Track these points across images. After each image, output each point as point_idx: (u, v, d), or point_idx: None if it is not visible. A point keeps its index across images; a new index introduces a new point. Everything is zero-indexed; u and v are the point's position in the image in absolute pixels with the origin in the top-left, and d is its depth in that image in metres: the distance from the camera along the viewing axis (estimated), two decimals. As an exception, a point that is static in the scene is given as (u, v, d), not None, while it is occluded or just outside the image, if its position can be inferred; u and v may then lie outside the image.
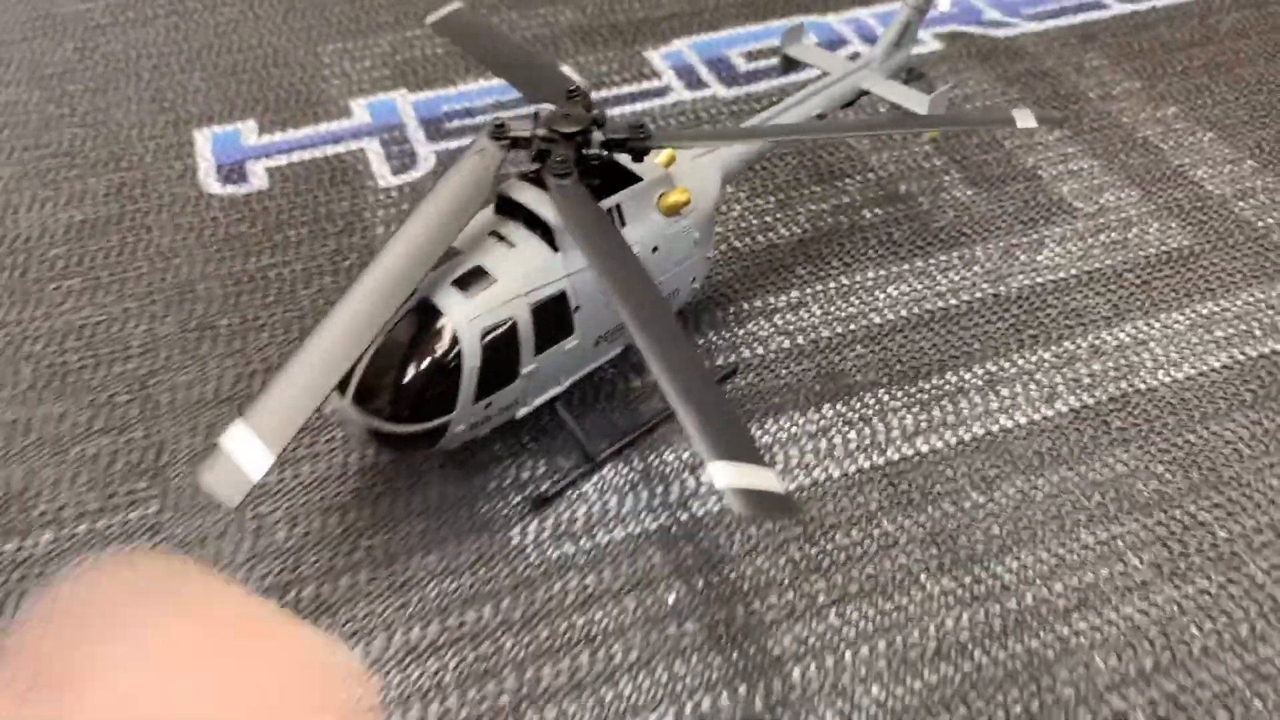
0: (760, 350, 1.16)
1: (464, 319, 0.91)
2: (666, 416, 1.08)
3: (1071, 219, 1.33)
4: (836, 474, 1.04)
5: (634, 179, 1.01)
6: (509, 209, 0.99)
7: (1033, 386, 1.12)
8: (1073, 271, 1.26)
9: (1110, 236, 1.31)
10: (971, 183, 1.39)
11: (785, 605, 0.92)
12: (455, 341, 0.91)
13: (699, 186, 1.05)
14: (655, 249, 1.02)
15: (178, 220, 1.33)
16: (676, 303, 1.08)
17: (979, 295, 1.22)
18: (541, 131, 0.95)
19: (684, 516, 0.99)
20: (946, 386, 1.12)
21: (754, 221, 1.33)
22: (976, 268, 1.26)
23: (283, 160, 1.44)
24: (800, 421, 1.08)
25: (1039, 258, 1.27)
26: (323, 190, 1.38)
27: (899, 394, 1.11)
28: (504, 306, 0.93)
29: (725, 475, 0.73)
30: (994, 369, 1.14)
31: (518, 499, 1.01)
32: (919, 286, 1.24)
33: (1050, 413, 1.09)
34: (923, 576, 0.94)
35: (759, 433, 1.07)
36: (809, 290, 1.23)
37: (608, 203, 0.99)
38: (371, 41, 1.69)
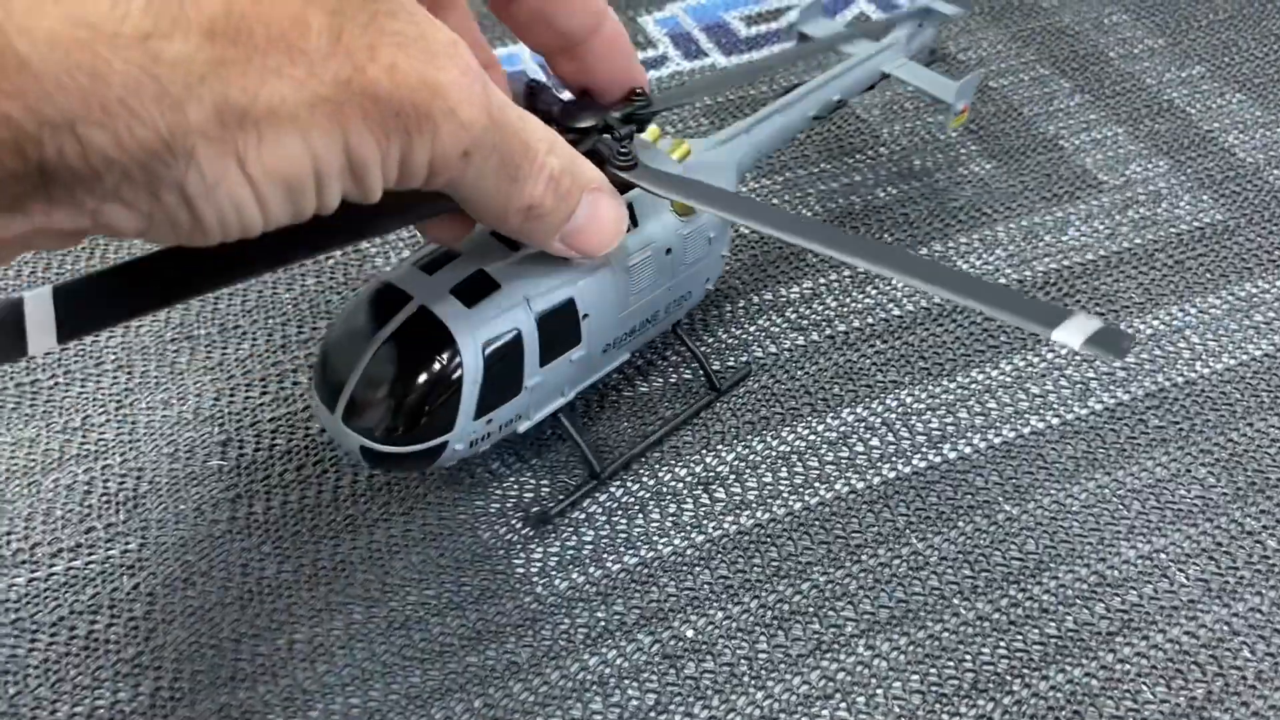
0: (773, 348, 1.09)
1: (465, 331, 0.84)
2: (677, 425, 1.02)
3: (1097, 193, 1.26)
4: (860, 486, 0.97)
5: (643, 178, 0.94)
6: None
7: (1064, 383, 1.06)
8: (1101, 253, 1.19)
9: (1139, 212, 1.23)
10: (990, 155, 1.31)
11: (811, 637, 0.86)
12: (456, 355, 0.84)
13: (714, 182, 0.98)
14: (669, 251, 0.94)
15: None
16: (687, 305, 1.01)
17: (1003, 281, 1.15)
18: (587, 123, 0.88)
19: (699, 538, 0.93)
20: (973, 385, 1.05)
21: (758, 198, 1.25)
22: (999, 251, 1.19)
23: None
24: (819, 428, 1.02)
25: (1064, 238, 1.20)
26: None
27: (922, 395, 1.05)
28: (508, 316, 0.86)
29: (1071, 335, 0.65)
30: (1022, 364, 1.07)
31: (520, 522, 0.95)
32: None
33: (1083, 411, 1.03)
34: (956, 600, 0.89)
35: (775, 442, 1.01)
36: (822, 280, 1.16)
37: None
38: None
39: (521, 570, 0.91)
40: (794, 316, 1.12)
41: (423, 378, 0.83)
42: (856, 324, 1.12)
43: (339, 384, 0.84)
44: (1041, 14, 1.55)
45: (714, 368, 1.06)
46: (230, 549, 0.94)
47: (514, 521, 0.95)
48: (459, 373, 0.84)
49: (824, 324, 1.11)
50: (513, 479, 0.99)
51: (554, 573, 0.91)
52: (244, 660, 0.87)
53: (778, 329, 1.11)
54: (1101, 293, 1.14)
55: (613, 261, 0.91)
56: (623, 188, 0.92)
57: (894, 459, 0.99)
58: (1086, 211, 1.23)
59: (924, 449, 1.00)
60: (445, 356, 0.83)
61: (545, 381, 0.90)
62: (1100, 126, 1.35)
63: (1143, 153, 1.31)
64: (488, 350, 0.84)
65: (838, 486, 0.97)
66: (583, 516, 0.96)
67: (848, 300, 1.14)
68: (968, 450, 1.00)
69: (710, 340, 1.10)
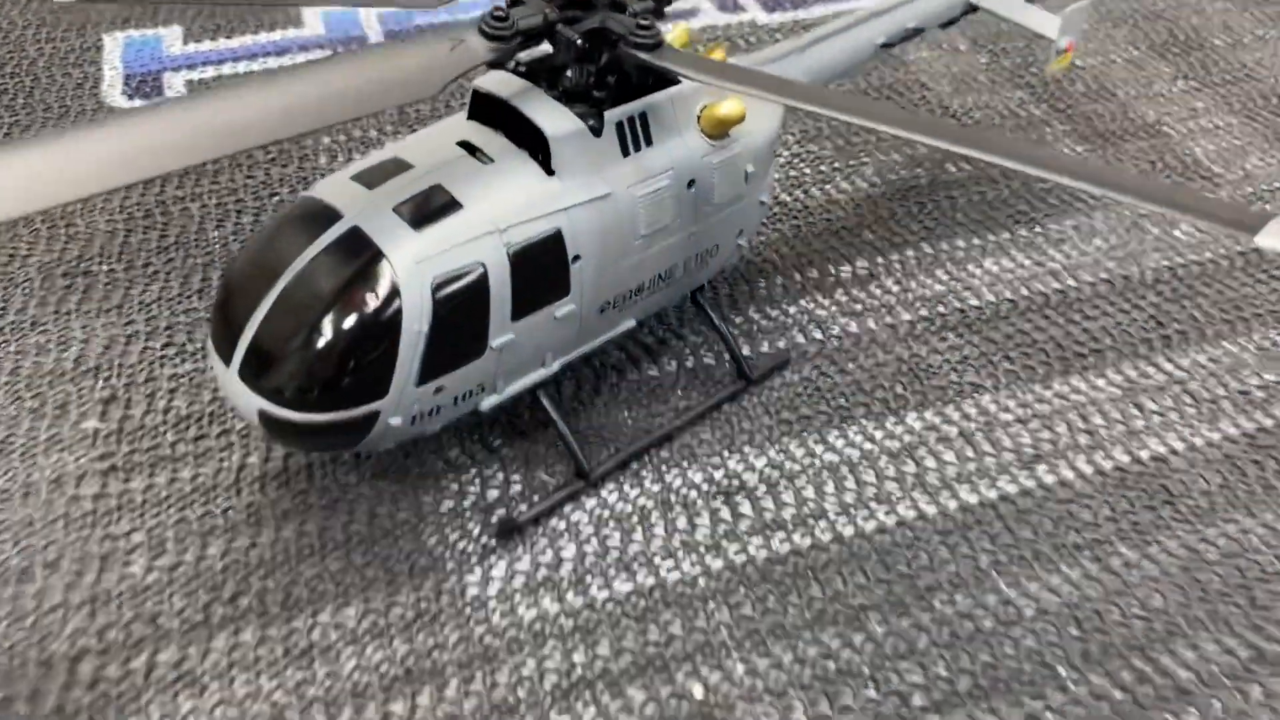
0: (818, 335, 0.86)
1: (409, 261, 0.62)
2: (694, 418, 0.79)
3: (1212, 186, 1.04)
4: (931, 511, 0.74)
5: (667, 83, 0.72)
6: (486, 113, 0.70)
7: (1187, 400, 0.82)
8: (1221, 251, 0.96)
9: (1264, 209, 1.01)
10: (1081, 137, 1.09)
11: (866, 708, 0.63)
12: (394, 293, 0.61)
13: (754, 109, 0.76)
14: (691, 183, 0.72)
15: (63, 137, 1.03)
16: (713, 264, 0.79)
17: (1104, 276, 0.93)
18: (553, 13, 0.65)
19: (716, 564, 0.70)
20: (1073, 395, 0.82)
21: (807, 171, 1.03)
22: (1098, 241, 0.96)
23: (210, 73, 1.14)
24: (876, 434, 0.79)
25: (1176, 233, 0.98)
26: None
27: (1010, 402, 0.82)
28: (470, 247, 0.63)
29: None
30: (1134, 375, 0.84)
31: (480, 527, 0.72)
32: (1025, 262, 0.94)
33: (1215, 437, 0.80)
34: (1061, 669, 0.65)
35: (820, 448, 0.78)
36: (880, 260, 0.94)
37: (625, 111, 0.69)
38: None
39: (475, 591, 0.68)
40: (844, 300, 0.89)
41: (347, 321, 0.61)
42: (924, 313, 0.89)
43: (238, 328, 0.62)
44: (1132, -3, 1.34)
45: (743, 352, 0.83)
46: (90, 536, 0.70)
47: (471, 526, 0.72)
48: (397, 317, 0.61)
49: (882, 310, 0.89)
50: (474, 472, 0.75)
51: (518, 597, 0.68)
52: (79, 687, 0.62)
53: (824, 312, 0.88)
54: (1228, 297, 0.91)
55: (617, 188, 0.68)
56: (638, 82, 0.70)
57: (974, 479, 0.76)
58: (1202, 204, 1.01)
59: (1013, 469, 0.77)
60: (378, 293, 0.61)
61: (519, 343, 0.67)
62: (1210, 114, 1.14)
63: (1261, 145, 1.09)
64: (439, 290, 0.62)
65: (901, 510, 0.74)
66: (563, 526, 0.72)
67: (912, 285, 0.91)
68: (1069, 475, 0.77)
69: (739, 320, 0.87)
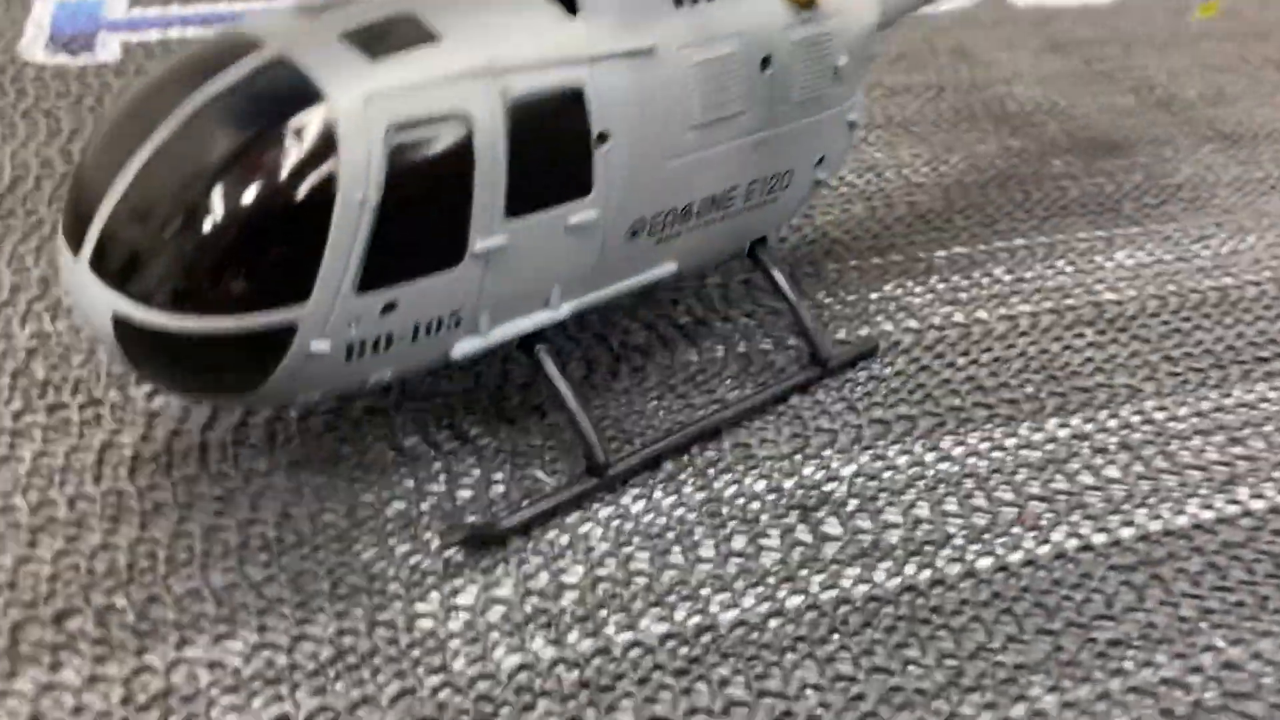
0: (912, 324, 0.65)
1: (355, 98, 0.40)
2: (752, 408, 0.56)
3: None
4: (1100, 540, 0.51)
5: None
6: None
7: None
8: None
9: None
10: (1203, 139, 0.90)
11: (1051, 821, 0.39)
12: (328, 141, 0.40)
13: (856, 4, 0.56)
14: (766, 62, 0.51)
15: (-42, 84, 0.83)
16: (784, 200, 0.57)
17: (1269, 275, 0.72)
18: None
19: (793, 602, 0.47)
20: (1262, 404, 0.61)
21: (879, 155, 0.83)
22: (1251, 239, 0.76)
23: (153, 35, 0.95)
24: (1008, 442, 0.57)
25: (1346, 235, 0.77)
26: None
27: (1182, 410, 0.60)
28: (450, 89, 0.42)
29: None
30: (1340, 384, 0.63)
31: (441, 536, 0.48)
32: (1166, 257, 0.73)
33: None
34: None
35: (931, 455, 0.55)
36: (982, 247, 0.73)
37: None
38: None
39: (429, 624, 0.45)
40: (942, 287, 0.68)
41: (251, 179, 0.39)
42: (1049, 305, 0.68)
43: (95, 199, 0.40)
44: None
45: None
46: None
47: (428, 535, 0.49)
48: (330, 179, 0.40)
49: (994, 301, 0.68)
50: (439, 465, 0.52)
51: (495, 636, 0.44)
52: None
53: (917, 300, 0.67)
54: None
55: (665, 45, 0.48)
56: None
57: (1151, 502, 0.53)
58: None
59: (1203, 490, 0.54)
60: (303, 140, 0.40)
61: (514, 255, 0.45)
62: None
63: None
64: (397, 143, 0.40)
65: (1057, 537, 0.51)
66: (565, 541, 0.49)
67: (1027, 274, 0.71)
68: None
69: (807, 304, 0.65)
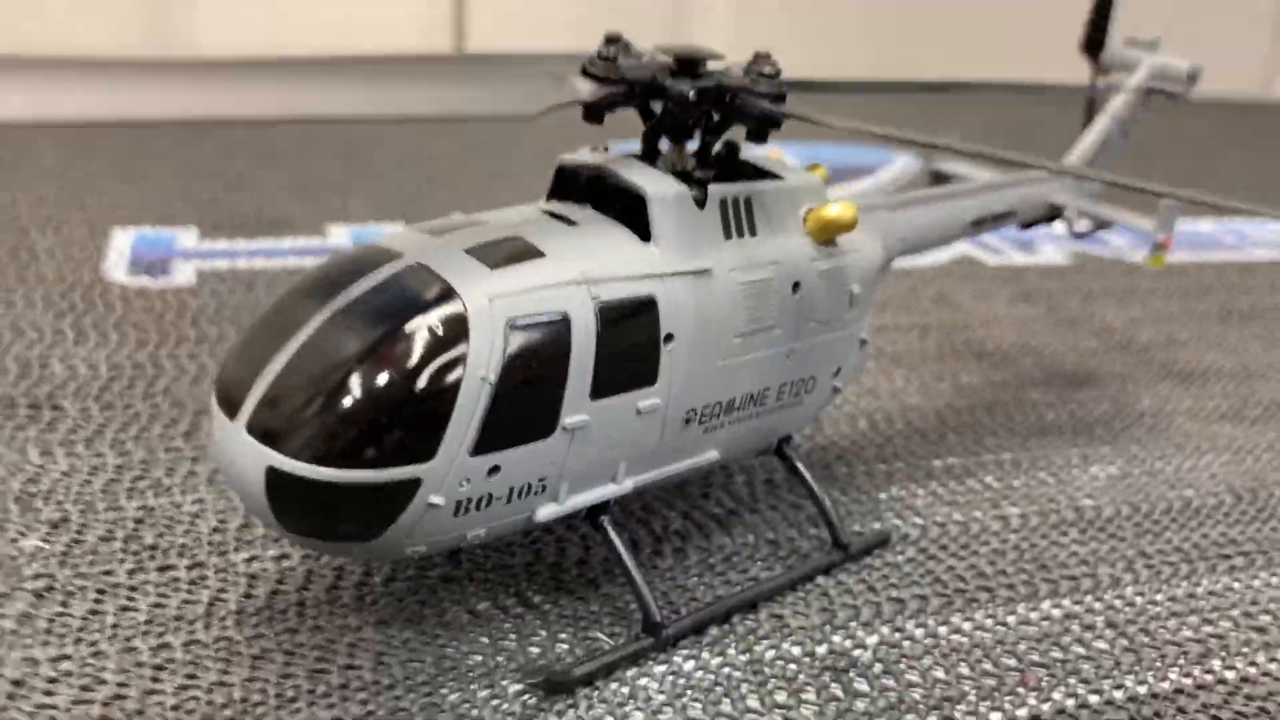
0: (918, 520, 0.73)
1: (482, 297, 0.50)
2: (783, 586, 0.64)
3: (1312, 424, 0.95)
4: (1094, 700, 0.58)
5: (769, 176, 0.64)
6: (572, 192, 0.61)
7: (1367, 610, 0.69)
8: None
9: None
10: (1159, 377, 1.01)
11: None
12: (462, 329, 0.49)
13: (862, 249, 0.68)
14: (797, 286, 0.62)
15: (53, 299, 0.93)
16: (808, 403, 0.67)
17: (1226, 487, 0.81)
18: (661, 59, 0.58)
19: (833, 745, 0.53)
20: (1228, 593, 0.68)
21: (880, 382, 0.93)
22: (1209, 458, 0.86)
23: (223, 264, 1.06)
24: (1009, 619, 0.64)
25: (1292, 458, 0.87)
26: (270, 295, 0.98)
27: (1158, 596, 0.67)
28: (554, 293, 0.52)
29: None
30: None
31: (520, 683, 0.55)
32: (1134, 471, 0.83)
33: None
34: None
35: (940, 627, 0.62)
36: (974, 458, 0.82)
37: (730, 189, 0.61)
38: (362, 184, 1.35)
39: (513, 762, 0.50)
40: (941, 491, 0.77)
41: (397, 354, 0.49)
42: (1035, 509, 0.76)
43: (254, 372, 0.49)
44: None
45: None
46: (5, 657, 0.52)
47: (507, 683, 0.55)
48: (460, 358, 0.49)
49: (986, 504, 0.76)
50: (509, 625, 0.59)
51: (572, 771, 0.50)
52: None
53: (920, 501, 0.76)
54: (1373, 518, 0.79)
55: (718, 269, 0.58)
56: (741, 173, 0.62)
57: (1138, 670, 0.61)
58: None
59: (1182, 662, 0.62)
60: (442, 327, 0.49)
61: (594, 431, 0.54)
62: (1289, 370, 1.06)
63: (1353, 400, 1.01)
64: (514, 334, 0.50)
65: (1057, 696, 0.58)
66: (625, 691, 0.55)
67: (1014, 483, 0.79)
68: (1251, 671, 0.61)
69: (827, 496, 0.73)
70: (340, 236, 1.17)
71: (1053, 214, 0.90)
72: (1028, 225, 0.90)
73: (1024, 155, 0.61)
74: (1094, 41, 0.95)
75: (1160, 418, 0.92)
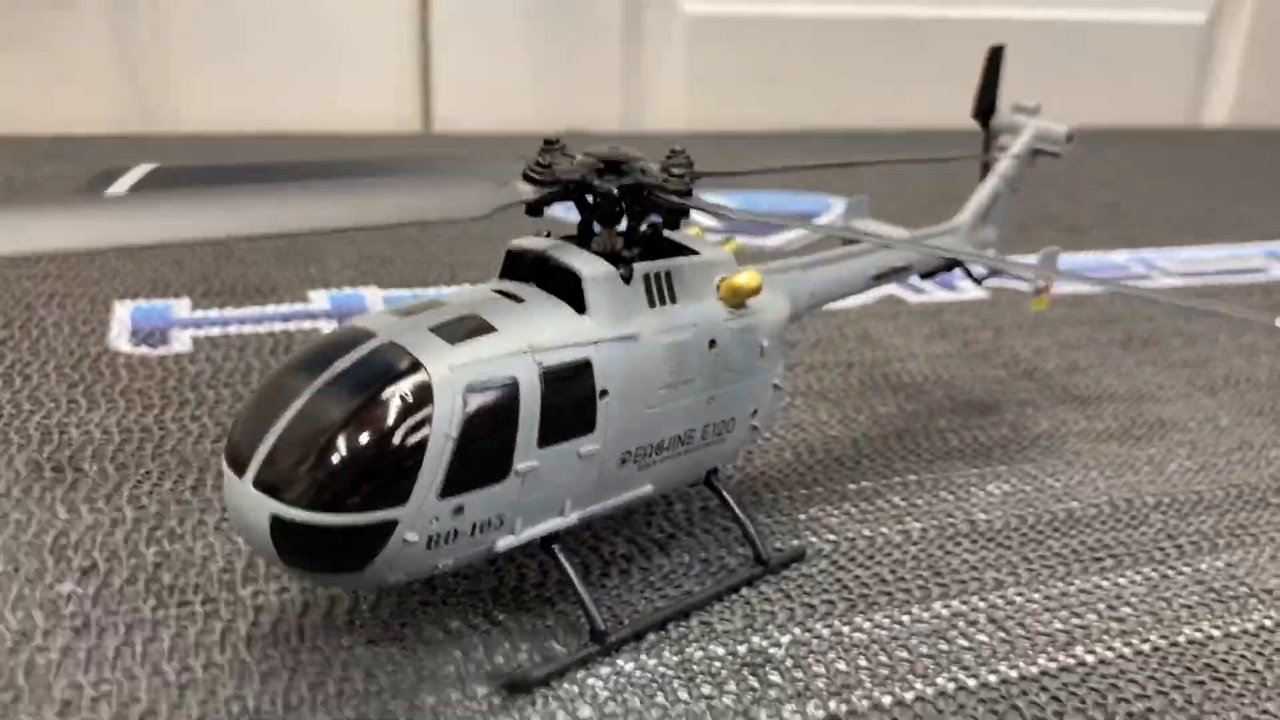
0: (831, 537, 0.85)
1: (444, 368, 0.61)
2: (711, 598, 0.75)
3: (1184, 434, 1.07)
4: (971, 684, 0.69)
5: (686, 252, 0.75)
6: (519, 271, 0.72)
7: (1213, 596, 0.80)
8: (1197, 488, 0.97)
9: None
10: (1059, 400, 1.13)
11: None
12: (428, 395, 0.61)
13: (772, 308, 0.79)
14: (713, 343, 0.73)
15: (65, 371, 1.03)
16: (729, 440, 0.78)
17: (1106, 499, 0.93)
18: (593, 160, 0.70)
19: (748, 725, 0.64)
20: (1097, 590, 0.80)
21: (806, 417, 1.05)
22: (1095, 474, 0.98)
23: (215, 331, 1.17)
24: (904, 619, 0.75)
25: (1170, 467, 0.99)
26: (259, 359, 1.10)
27: (1035, 595, 0.79)
28: (504, 362, 0.63)
29: None
30: (1155, 575, 0.82)
31: (486, 687, 0.65)
32: (1025, 488, 0.95)
33: (1250, 625, 0.77)
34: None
35: (846, 628, 0.74)
36: (884, 481, 0.94)
37: (652, 266, 0.72)
38: (337, 248, 1.46)
39: (483, 746, 0.61)
40: (854, 510, 0.89)
41: (376, 418, 0.60)
42: (935, 523, 0.88)
43: (258, 436, 0.60)
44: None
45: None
46: (55, 685, 0.63)
47: (476, 686, 0.66)
48: (427, 419, 0.60)
49: (893, 520, 0.88)
50: (478, 639, 0.70)
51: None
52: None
53: (835, 520, 0.87)
54: (1227, 522, 0.91)
55: (644, 332, 0.70)
56: (661, 250, 0.74)
57: (1012, 657, 0.72)
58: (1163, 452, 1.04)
59: (1050, 650, 0.73)
60: (412, 394, 0.61)
61: (542, 474, 0.65)
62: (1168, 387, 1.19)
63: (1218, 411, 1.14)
64: (471, 399, 0.61)
65: (940, 681, 0.69)
66: (576, 690, 0.66)
67: (918, 501, 0.91)
68: (1109, 655, 0.73)
69: (749, 520, 0.84)
70: (321, 300, 1.28)
71: (951, 264, 1.02)
72: (928, 275, 1.02)
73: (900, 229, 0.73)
74: (984, 110, 1.08)
75: (1055, 439, 1.04)
